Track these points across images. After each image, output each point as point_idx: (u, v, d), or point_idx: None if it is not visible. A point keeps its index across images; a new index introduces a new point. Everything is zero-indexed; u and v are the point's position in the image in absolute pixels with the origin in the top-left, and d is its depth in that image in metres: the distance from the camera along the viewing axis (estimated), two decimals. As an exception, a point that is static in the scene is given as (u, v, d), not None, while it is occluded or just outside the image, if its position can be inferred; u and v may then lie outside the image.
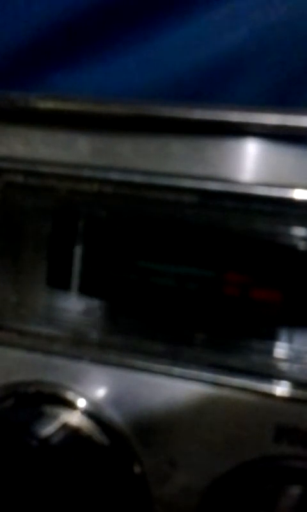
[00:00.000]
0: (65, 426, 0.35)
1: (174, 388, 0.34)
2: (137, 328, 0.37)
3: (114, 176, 0.34)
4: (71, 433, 0.35)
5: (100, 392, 0.36)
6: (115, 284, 0.38)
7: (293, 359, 0.35)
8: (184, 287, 0.37)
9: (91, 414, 0.36)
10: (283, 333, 0.35)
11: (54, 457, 0.33)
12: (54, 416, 0.35)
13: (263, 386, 0.33)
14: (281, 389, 0.33)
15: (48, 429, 0.34)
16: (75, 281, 0.39)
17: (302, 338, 0.35)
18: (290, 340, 0.35)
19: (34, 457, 0.32)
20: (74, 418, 0.36)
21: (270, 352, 0.35)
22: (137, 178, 0.34)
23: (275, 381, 0.33)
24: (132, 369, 0.35)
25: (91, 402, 0.36)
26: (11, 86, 0.52)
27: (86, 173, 0.35)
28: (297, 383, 0.33)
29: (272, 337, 0.35)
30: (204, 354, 0.35)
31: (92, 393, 0.36)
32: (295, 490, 0.32)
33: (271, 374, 0.34)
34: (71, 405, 0.36)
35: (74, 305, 0.39)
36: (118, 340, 0.36)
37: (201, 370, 0.34)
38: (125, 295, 0.38)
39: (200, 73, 0.52)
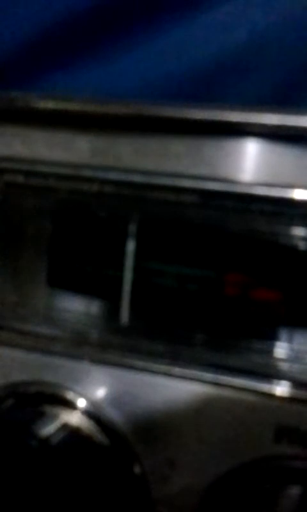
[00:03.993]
0: (65, 426, 0.35)
1: (174, 388, 0.34)
2: (137, 328, 0.37)
3: (114, 176, 0.34)
4: (71, 433, 0.35)
5: (100, 392, 0.36)
6: (115, 284, 0.38)
7: (293, 359, 0.35)
8: (185, 287, 0.37)
9: (91, 414, 0.36)
10: (283, 333, 0.35)
11: (54, 458, 0.33)
12: (54, 416, 0.35)
13: (263, 386, 0.33)
14: (281, 389, 0.33)
15: (48, 429, 0.34)
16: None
17: (302, 338, 0.35)
18: (290, 340, 0.35)
19: (34, 457, 0.32)
20: (74, 418, 0.36)
21: (270, 352, 0.35)
22: (137, 178, 0.34)
23: (275, 381, 0.33)
24: (132, 369, 0.35)
25: (91, 402, 0.36)
26: (11, 86, 0.52)
27: (86, 173, 0.35)
28: (297, 383, 0.33)
29: (272, 337, 0.35)
30: (204, 354, 0.35)
31: (92, 393, 0.36)
32: (295, 490, 0.32)
33: (271, 374, 0.34)
34: (71, 405, 0.36)
35: (74, 305, 0.39)
36: (117, 340, 0.36)
37: (201, 370, 0.34)
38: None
39: (200, 73, 0.52)
